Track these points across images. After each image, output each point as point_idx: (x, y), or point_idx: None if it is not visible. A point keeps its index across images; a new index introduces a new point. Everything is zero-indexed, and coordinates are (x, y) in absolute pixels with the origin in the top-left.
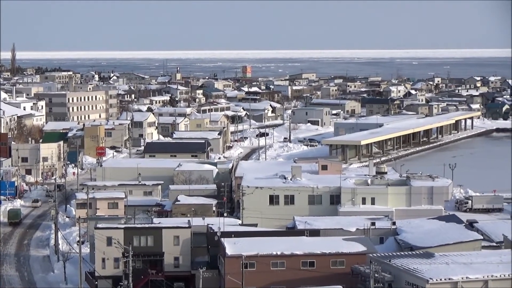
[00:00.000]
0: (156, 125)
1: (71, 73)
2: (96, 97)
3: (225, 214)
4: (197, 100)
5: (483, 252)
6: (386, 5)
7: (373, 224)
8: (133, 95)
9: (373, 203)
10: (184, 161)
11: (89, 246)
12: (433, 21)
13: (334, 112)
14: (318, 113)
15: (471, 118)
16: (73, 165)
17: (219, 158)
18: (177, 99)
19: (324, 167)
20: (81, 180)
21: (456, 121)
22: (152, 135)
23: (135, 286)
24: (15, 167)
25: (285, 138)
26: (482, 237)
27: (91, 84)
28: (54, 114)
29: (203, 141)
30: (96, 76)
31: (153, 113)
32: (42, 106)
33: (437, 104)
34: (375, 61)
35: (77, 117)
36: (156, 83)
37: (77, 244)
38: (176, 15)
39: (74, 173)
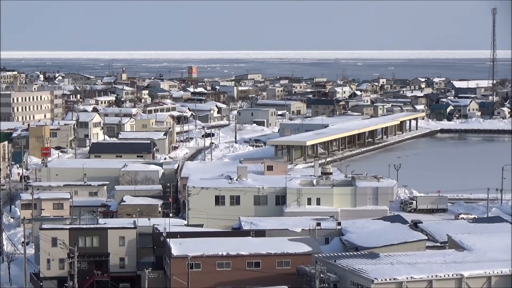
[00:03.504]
0: (102, 125)
1: (15, 73)
2: (41, 97)
3: (170, 215)
4: (142, 100)
5: (428, 252)
6: (330, 6)
7: (318, 224)
8: (78, 95)
9: (318, 203)
10: (130, 161)
11: (34, 247)
12: (377, 22)
13: (279, 112)
14: (263, 113)
15: (416, 119)
16: (17, 165)
17: (165, 158)
18: (122, 99)
19: (270, 168)
20: (17, 184)
21: (400, 122)
22: (98, 135)
23: (80, 287)
24: None
25: (212, 142)
26: (426, 237)
27: (36, 84)
28: None
29: (149, 141)
30: (41, 76)
31: (98, 114)
32: None
33: (382, 105)
34: (320, 62)
35: (22, 117)
36: (101, 83)
37: (22, 245)
38: (122, 15)
39: (18, 174)
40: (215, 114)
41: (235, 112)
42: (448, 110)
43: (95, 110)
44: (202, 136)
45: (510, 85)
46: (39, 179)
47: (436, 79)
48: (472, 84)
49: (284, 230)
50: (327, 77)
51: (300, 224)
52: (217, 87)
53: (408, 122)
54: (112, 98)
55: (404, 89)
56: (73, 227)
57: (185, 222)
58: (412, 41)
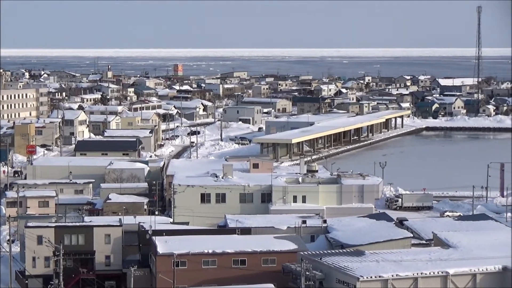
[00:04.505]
0: (87, 123)
1: (1, 70)
2: (26, 95)
3: (156, 213)
4: (128, 98)
5: (413, 249)
6: (316, 4)
7: (304, 222)
8: (64, 93)
9: (304, 201)
10: (116, 159)
11: (19, 245)
12: (362, 20)
13: (265, 110)
14: (249, 111)
15: (401, 117)
16: (3, 163)
17: (151, 156)
18: (108, 97)
19: (256, 166)
20: (11, 179)
21: (386, 119)
22: (83, 133)
23: (66, 285)
24: None
25: (192, 142)
26: (411, 235)
27: (22, 82)
28: None
29: (135, 139)
30: (27, 74)
31: (84, 111)
32: None
33: (368, 103)
34: (306, 59)
35: (7, 115)
36: (87, 81)
37: (7, 243)
38: (107, 13)
39: (4, 172)
40: (201, 112)
41: (220, 110)
42: (433, 108)
43: (80, 108)
44: (188, 134)
45: (495, 83)
46: (24, 177)
47: (421, 77)
48: (457, 82)
49: (269, 228)
50: (312, 75)
51: (285, 222)
52: (203, 85)
53: (393, 120)
54: (97, 96)
55: (390, 87)
56: (58, 225)
57: (171, 220)
58: (397, 39)
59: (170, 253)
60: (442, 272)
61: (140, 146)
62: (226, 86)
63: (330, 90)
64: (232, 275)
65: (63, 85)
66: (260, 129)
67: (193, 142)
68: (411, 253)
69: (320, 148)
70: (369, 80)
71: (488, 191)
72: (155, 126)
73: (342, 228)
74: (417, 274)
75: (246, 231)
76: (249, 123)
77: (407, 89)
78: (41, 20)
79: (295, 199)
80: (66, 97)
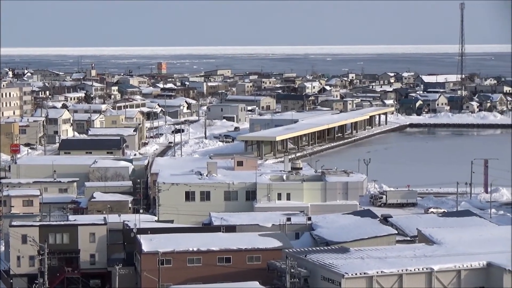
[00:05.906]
0: (71, 122)
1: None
2: (10, 94)
3: (141, 211)
4: (112, 96)
5: (398, 246)
6: (298, 2)
7: (288, 219)
8: (47, 92)
9: (288, 198)
10: (100, 157)
11: (3, 244)
12: (346, 17)
13: (249, 108)
14: (233, 109)
15: (385, 113)
16: None
17: (135, 154)
18: (92, 95)
19: (240, 163)
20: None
21: (370, 116)
22: (67, 132)
23: (51, 284)
24: None
25: (170, 142)
26: (396, 232)
27: (5, 81)
28: None
29: (119, 137)
30: (10, 73)
31: (68, 110)
32: None
33: (352, 100)
34: (290, 57)
35: None
36: (71, 79)
37: None
38: (90, 12)
39: None
40: (185, 110)
41: (204, 107)
42: (417, 104)
43: (64, 106)
44: (172, 132)
45: (478, 79)
46: (9, 176)
47: (405, 74)
48: (440, 78)
49: (254, 225)
50: (296, 72)
51: (270, 219)
52: (187, 83)
53: (377, 116)
54: (81, 94)
55: (374, 84)
56: (43, 224)
57: (156, 218)
58: (380, 36)
59: (155, 251)
60: (426, 269)
61: (124, 145)
62: (210, 84)
63: (314, 87)
64: (217, 273)
65: (46, 84)
66: (236, 128)
67: (171, 143)
68: (395, 249)
69: (304, 145)
70: (352, 77)
71: (472, 188)
72: (139, 124)
73: (326, 225)
74: (402, 270)
75: (230, 228)
76: (233, 121)
77: (390, 86)
78: (24, 18)
79: (279, 196)
80: (49, 96)
